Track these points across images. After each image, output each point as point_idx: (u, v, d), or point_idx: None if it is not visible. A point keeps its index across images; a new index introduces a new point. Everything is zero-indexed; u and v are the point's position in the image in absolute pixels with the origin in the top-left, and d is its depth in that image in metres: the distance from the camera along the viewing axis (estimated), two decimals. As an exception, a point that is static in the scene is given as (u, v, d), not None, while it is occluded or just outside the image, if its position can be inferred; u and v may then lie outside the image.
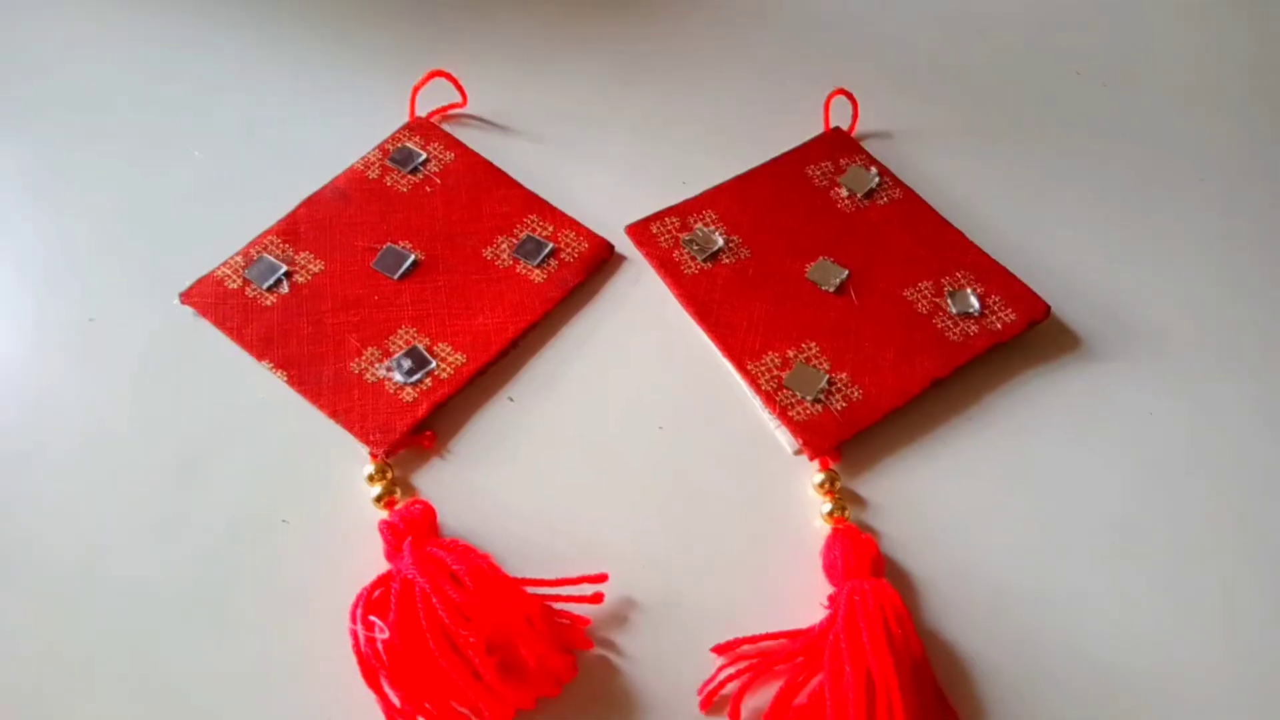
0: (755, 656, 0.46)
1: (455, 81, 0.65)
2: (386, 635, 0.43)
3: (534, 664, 0.44)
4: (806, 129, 0.66)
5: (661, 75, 0.70)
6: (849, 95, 0.65)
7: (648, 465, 0.53)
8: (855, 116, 0.65)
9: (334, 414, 0.53)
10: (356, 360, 0.55)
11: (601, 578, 0.47)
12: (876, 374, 0.54)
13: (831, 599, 0.47)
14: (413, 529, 0.48)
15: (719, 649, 0.46)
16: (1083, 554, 0.50)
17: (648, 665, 0.46)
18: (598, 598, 0.47)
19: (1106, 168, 0.66)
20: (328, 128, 0.66)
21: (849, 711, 0.42)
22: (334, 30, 0.71)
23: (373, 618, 0.44)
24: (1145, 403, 0.55)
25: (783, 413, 0.53)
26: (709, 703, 0.45)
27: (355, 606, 0.45)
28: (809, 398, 0.53)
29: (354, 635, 0.44)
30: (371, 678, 0.43)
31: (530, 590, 0.46)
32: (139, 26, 0.70)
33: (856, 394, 0.54)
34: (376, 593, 0.45)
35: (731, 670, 0.45)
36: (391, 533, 0.48)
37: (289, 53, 0.70)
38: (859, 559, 0.47)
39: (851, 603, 0.45)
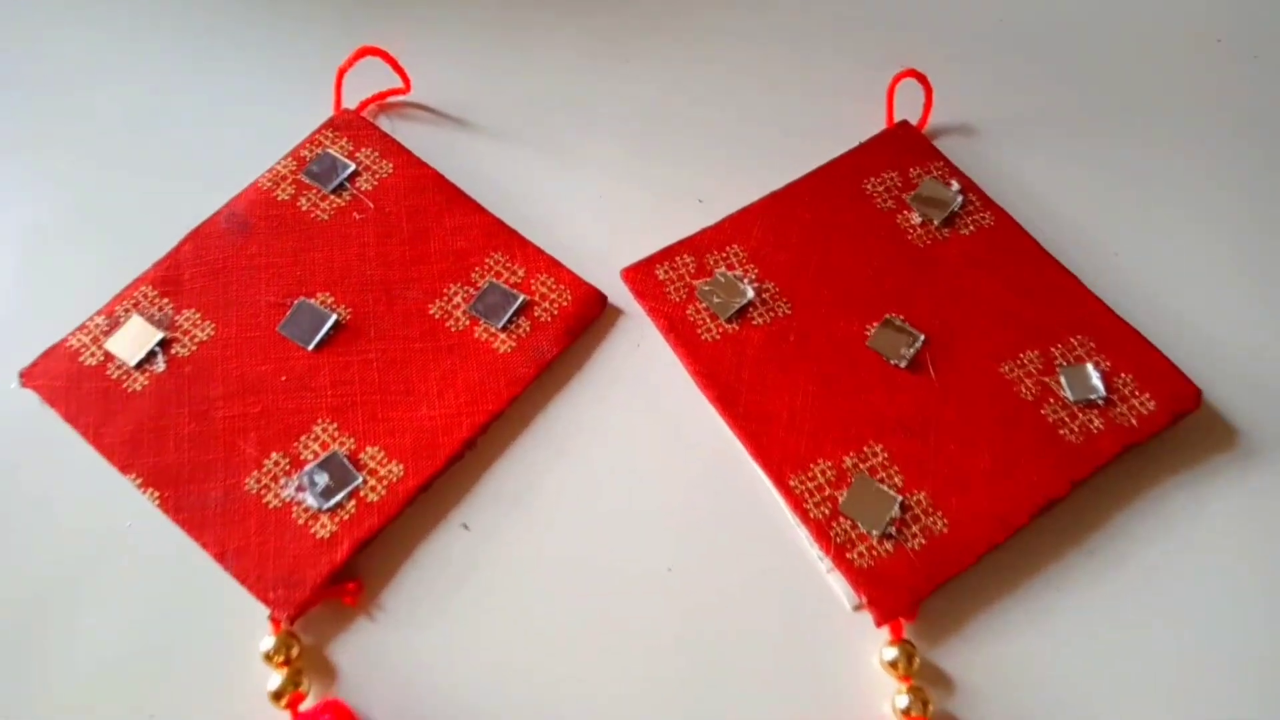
0: None
1: (393, 61, 0.49)
2: None
3: None
4: (862, 125, 0.49)
5: (666, 53, 0.53)
6: (920, 78, 0.48)
7: (652, 625, 0.39)
8: (928, 107, 0.49)
9: (221, 556, 0.39)
10: (255, 474, 0.40)
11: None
12: (968, 493, 0.39)
13: None
14: (322, 754, 0.34)
15: None
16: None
17: None
18: None
19: (1268, 177, 0.49)
20: (229, 124, 0.50)
21: None
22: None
23: None
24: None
25: (839, 554, 0.38)
26: None
27: None
28: (875, 531, 0.39)
29: None
30: None
31: None
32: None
33: (940, 525, 0.39)
34: None
35: None
36: (291, 761, 0.33)
37: (178, 25, 0.53)
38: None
39: None
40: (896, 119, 0.50)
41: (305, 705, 0.36)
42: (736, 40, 0.53)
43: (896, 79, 0.49)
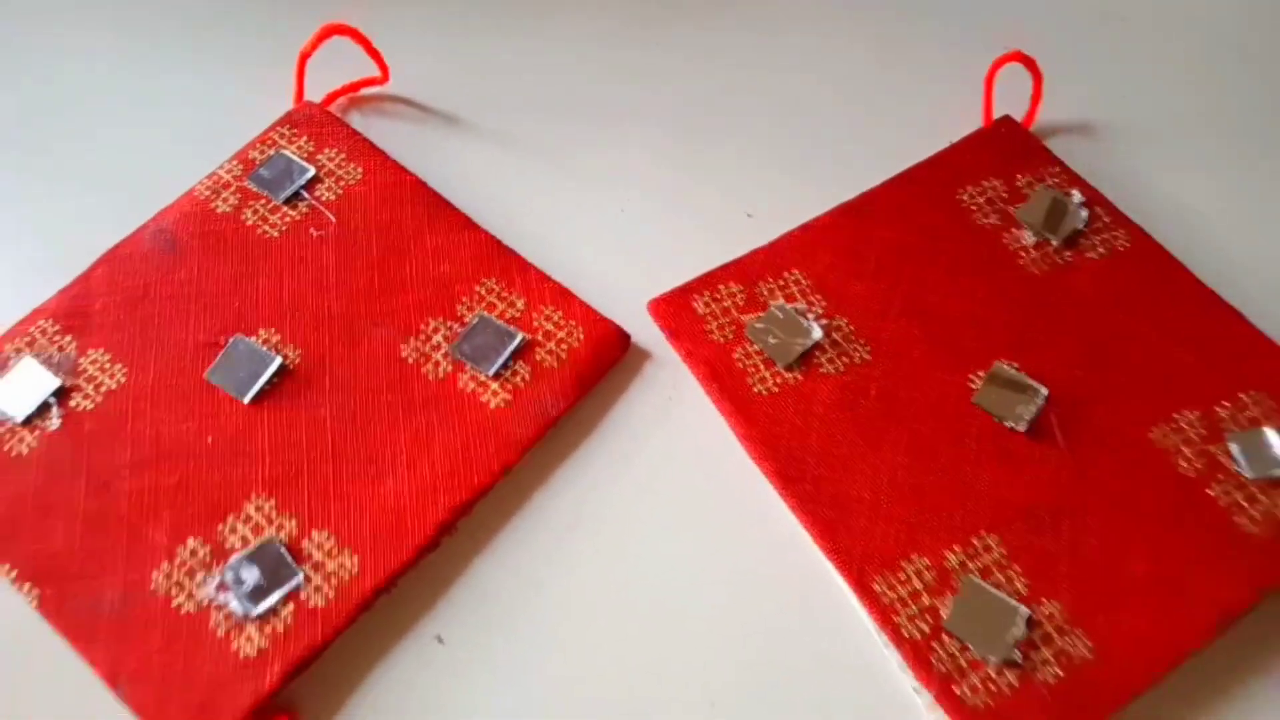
0: None
1: (368, 44, 0.40)
2: None
3: None
4: (955, 121, 0.40)
5: (703, 34, 0.44)
6: (1029, 62, 0.38)
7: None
8: (1036, 99, 0.40)
9: (113, 680, 0.30)
10: (164, 567, 0.32)
11: None
12: (1118, 606, 0.29)
13: None
14: None
15: None
16: None
17: None
18: None
19: None
20: (165, 117, 0.42)
21: None
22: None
23: None
24: None
25: (943, 687, 0.28)
26: None
27: None
28: (994, 658, 0.28)
29: None
30: None
31: None
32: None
33: (1083, 649, 0.29)
34: None
35: None
36: None
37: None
38: None
39: None
40: (997, 114, 0.40)
41: None
42: (791, 17, 0.44)
43: (997, 64, 0.40)
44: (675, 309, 0.36)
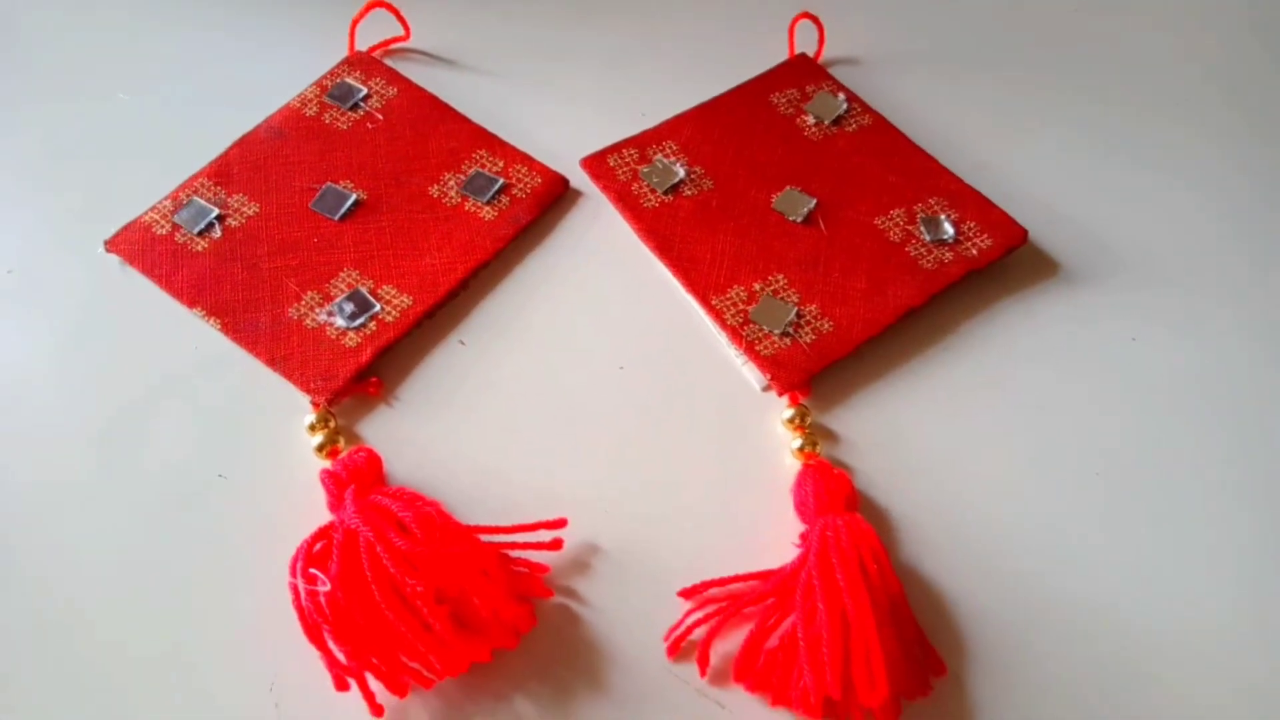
0: (724, 599, 0.43)
1: (397, 13, 0.62)
2: (328, 588, 0.40)
3: (488, 614, 0.41)
4: (771, 57, 0.63)
5: (619, 4, 0.66)
6: (814, 19, 0.62)
7: (609, 408, 0.50)
8: (821, 42, 0.62)
9: (271, 362, 0.50)
10: (295, 306, 0.51)
11: (560, 523, 0.45)
12: (847, 305, 0.51)
13: (803, 537, 0.44)
14: (356, 477, 0.45)
15: (685, 593, 0.43)
16: (1066, 485, 0.48)
17: (611, 613, 0.44)
18: (557, 544, 0.44)
19: (1086, 94, 0.63)
20: (262, 64, 0.62)
21: (823, 652, 0.39)
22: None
23: (313, 570, 0.41)
24: (1127, 328, 0.53)
25: (749, 348, 0.50)
26: (676, 649, 0.42)
27: (295, 560, 0.42)
28: (776, 331, 0.50)
29: (294, 590, 0.41)
30: (314, 634, 0.40)
31: (484, 538, 0.43)
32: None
33: (827, 326, 0.51)
34: (318, 545, 0.42)
35: (699, 615, 0.42)
36: (334, 482, 0.44)
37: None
38: (831, 495, 0.44)
39: (824, 539, 0.42)
40: (797, 52, 0.63)
41: (340, 456, 0.47)
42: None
43: (795, 20, 0.62)
44: (598, 163, 0.57)
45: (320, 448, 0.47)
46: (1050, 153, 0.60)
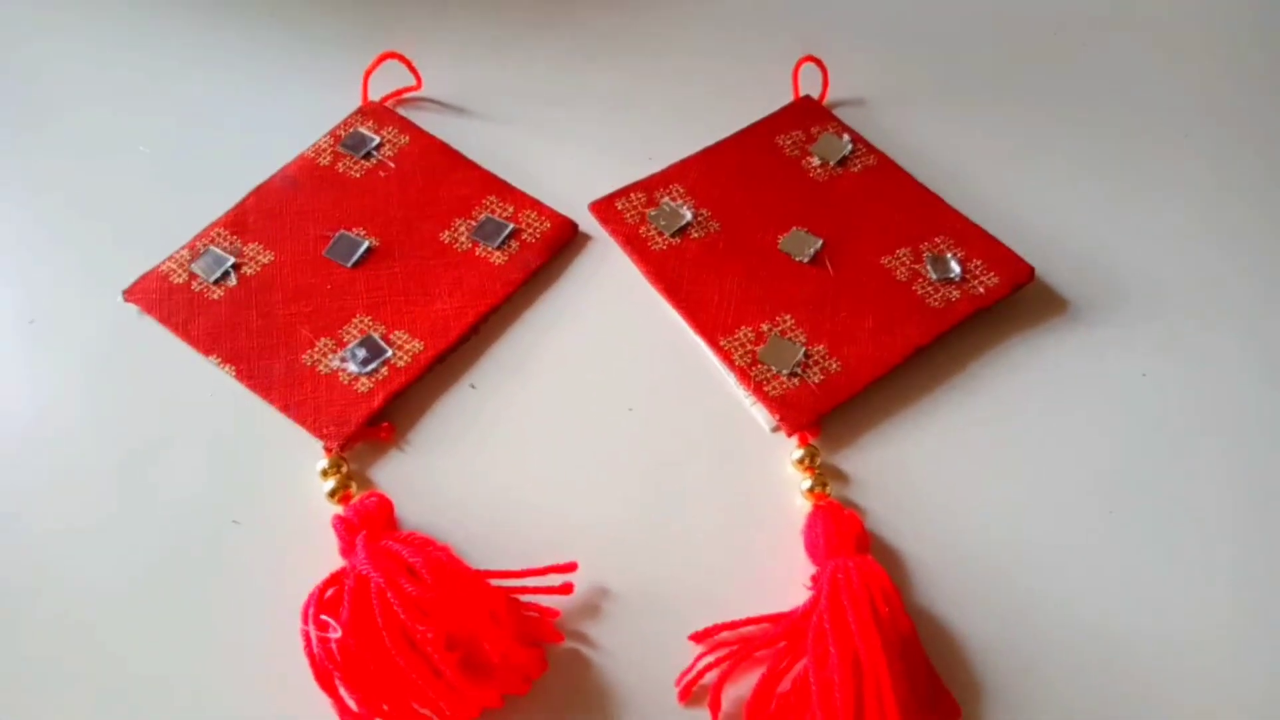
0: (735, 643, 0.43)
1: (409, 63, 0.63)
2: (339, 635, 0.40)
3: (498, 660, 0.41)
4: (776, 100, 0.63)
5: (624, 52, 0.68)
6: (818, 62, 0.63)
7: (618, 449, 0.50)
8: (825, 84, 0.63)
9: (285, 408, 0.50)
10: (309, 352, 0.52)
11: (570, 567, 0.45)
12: (855, 344, 0.52)
13: (814, 579, 0.44)
14: (368, 523, 0.45)
15: (697, 636, 0.43)
16: (1078, 523, 0.48)
17: (622, 657, 0.44)
18: (567, 588, 0.44)
19: (1087, 127, 0.63)
20: (278, 115, 0.63)
21: (836, 696, 0.39)
22: (283, 14, 0.69)
23: (325, 617, 0.41)
24: (1137, 363, 0.53)
25: (758, 388, 0.50)
26: (688, 694, 0.42)
27: (307, 606, 0.42)
28: (785, 371, 0.51)
29: (305, 636, 0.41)
30: (325, 680, 0.41)
31: (494, 583, 0.43)
32: (78, 12, 0.68)
33: (835, 366, 0.51)
34: (329, 591, 0.43)
35: (711, 659, 0.42)
36: (345, 528, 0.45)
37: (236, 39, 0.67)
38: (842, 536, 0.44)
39: (835, 581, 0.42)
40: (801, 94, 0.64)
41: (352, 502, 0.48)
42: (680, 41, 0.68)
43: (799, 63, 0.63)
44: (606, 207, 0.58)
45: (332, 493, 0.48)
46: (1056, 188, 0.60)
